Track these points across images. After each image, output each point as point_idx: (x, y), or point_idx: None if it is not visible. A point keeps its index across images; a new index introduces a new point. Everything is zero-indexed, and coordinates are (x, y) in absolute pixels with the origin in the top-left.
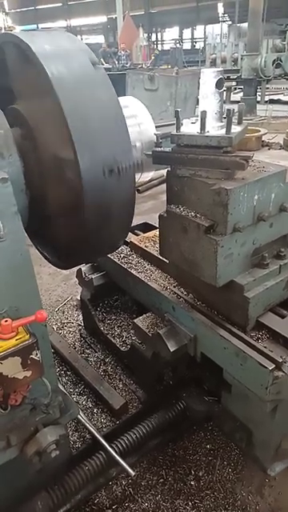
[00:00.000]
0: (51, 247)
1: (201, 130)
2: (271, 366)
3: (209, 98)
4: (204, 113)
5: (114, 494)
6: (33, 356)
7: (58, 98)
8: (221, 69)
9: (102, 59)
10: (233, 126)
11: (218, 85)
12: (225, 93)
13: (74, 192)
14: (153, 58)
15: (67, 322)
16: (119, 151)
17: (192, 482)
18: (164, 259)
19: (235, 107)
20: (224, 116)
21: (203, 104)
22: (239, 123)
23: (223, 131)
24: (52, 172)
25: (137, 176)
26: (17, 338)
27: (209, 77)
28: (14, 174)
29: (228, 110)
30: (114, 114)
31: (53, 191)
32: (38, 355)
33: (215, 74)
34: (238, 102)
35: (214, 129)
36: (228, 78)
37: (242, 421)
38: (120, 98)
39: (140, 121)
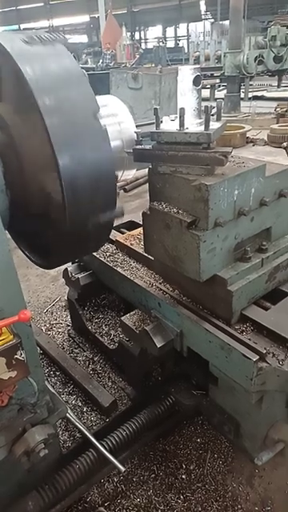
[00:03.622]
0: (34, 247)
1: (180, 126)
2: (255, 358)
3: (187, 95)
4: (182, 110)
5: (105, 491)
6: (17, 356)
7: (45, 124)
8: (198, 66)
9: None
10: (211, 123)
11: (196, 82)
12: (209, 90)
13: (56, 199)
14: (137, 56)
15: (56, 323)
16: (104, 187)
17: (183, 476)
18: (149, 256)
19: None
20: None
21: (181, 101)
22: (218, 119)
23: (202, 128)
24: (33, 174)
25: (119, 174)
26: (0, 338)
27: (186, 74)
28: None
29: (206, 106)
30: (102, 142)
31: (34, 193)
32: (23, 355)
33: (192, 71)
34: (222, 99)
35: (193, 125)
36: (212, 76)
37: (229, 413)
38: (99, 97)
39: (120, 119)
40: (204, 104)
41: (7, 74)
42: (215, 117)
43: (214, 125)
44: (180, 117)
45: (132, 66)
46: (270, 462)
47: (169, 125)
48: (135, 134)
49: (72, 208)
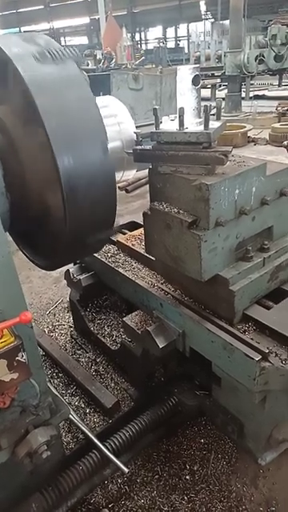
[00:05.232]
0: (35, 249)
1: (179, 126)
2: (258, 357)
3: (186, 95)
4: (182, 109)
5: (109, 492)
6: (19, 358)
7: (43, 123)
8: (196, 66)
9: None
10: (211, 122)
11: (195, 81)
12: (210, 90)
13: (56, 201)
14: (138, 57)
15: (58, 325)
16: (104, 188)
17: (187, 477)
18: (150, 257)
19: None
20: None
21: (181, 101)
22: (218, 119)
23: (202, 127)
24: (33, 177)
25: (119, 174)
26: (1, 340)
27: (185, 74)
28: None
29: (205, 105)
30: (100, 137)
31: (34, 195)
32: (24, 357)
33: (191, 71)
34: (222, 98)
35: (193, 125)
36: (212, 76)
37: (232, 413)
38: (99, 98)
39: (120, 120)
40: (204, 103)
41: (7, 80)
42: (215, 116)
43: (214, 124)
44: (179, 116)
45: (133, 66)
46: (274, 462)
47: (168, 125)
48: (135, 135)
49: (72, 209)
